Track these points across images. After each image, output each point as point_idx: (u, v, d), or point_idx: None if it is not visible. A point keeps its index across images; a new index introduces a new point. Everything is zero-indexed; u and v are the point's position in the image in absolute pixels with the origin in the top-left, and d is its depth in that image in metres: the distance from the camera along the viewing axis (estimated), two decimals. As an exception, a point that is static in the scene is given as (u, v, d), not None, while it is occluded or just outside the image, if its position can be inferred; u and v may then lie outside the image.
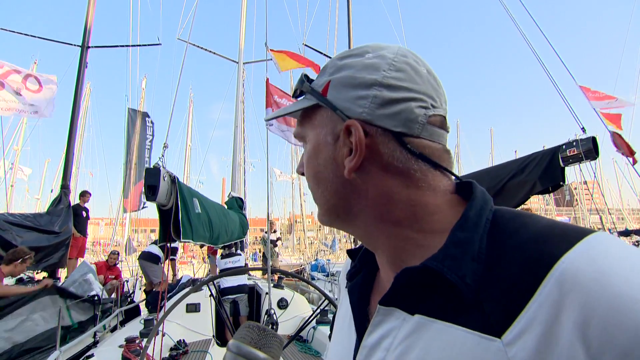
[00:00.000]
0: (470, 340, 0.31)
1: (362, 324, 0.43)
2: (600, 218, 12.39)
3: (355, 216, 0.42)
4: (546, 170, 3.48)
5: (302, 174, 0.48)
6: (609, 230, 10.71)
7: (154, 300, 5.00)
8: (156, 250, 6.29)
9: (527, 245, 0.32)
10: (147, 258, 6.31)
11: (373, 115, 0.39)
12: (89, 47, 7.48)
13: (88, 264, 5.72)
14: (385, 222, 0.41)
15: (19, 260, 3.93)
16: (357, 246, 0.53)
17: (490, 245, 0.34)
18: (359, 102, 0.40)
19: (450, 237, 0.36)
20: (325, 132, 0.42)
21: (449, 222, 0.38)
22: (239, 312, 4.81)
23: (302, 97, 0.46)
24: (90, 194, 7.35)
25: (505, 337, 0.30)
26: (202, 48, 8.94)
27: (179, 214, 2.76)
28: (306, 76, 0.45)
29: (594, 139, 3.23)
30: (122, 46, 9.17)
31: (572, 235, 0.30)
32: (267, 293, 4.59)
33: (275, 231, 12.24)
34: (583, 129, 3.42)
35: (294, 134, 0.50)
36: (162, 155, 3.06)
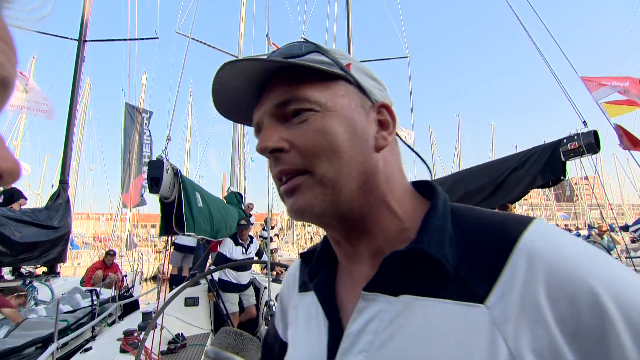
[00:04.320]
0: (458, 309, 0.36)
1: (335, 317, 0.45)
2: (601, 213, 12.42)
3: (366, 194, 0.43)
4: (547, 164, 3.47)
5: (278, 150, 0.42)
6: (610, 225, 10.73)
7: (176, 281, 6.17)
8: (187, 241, 6.75)
9: (491, 229, 0.39)
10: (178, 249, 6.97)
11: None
12: (85, 40, 7.43)
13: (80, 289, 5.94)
14: (389, 201, 0.44)
15: (15, 295, 4.49)
16: (308, 250, 0.57)
17: (456, 231, 0.41)
18: (378, 93, 0.46)
19: (429, 223, 0.41)
20: (355, 104, 0.44)
21: (419, 210, 0.44)
22: (242, 306, 4.75)
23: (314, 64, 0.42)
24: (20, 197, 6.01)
25: (488, 302, 0.35)
26: (201, 42, 8.83)
27: (182, 207, 2.78)
28: (319, 45, 0.45)
29: (595, 133, 3.20)
30: (119, 40, 9.11)
31: (522, 220, 0.39)
32: (265, 287, 4.58)
33: (273, 227, 12.27)
34: (584, 123, 3.39)
35: (291, 95, 0.42)
36: (165, 148, 3.05)
